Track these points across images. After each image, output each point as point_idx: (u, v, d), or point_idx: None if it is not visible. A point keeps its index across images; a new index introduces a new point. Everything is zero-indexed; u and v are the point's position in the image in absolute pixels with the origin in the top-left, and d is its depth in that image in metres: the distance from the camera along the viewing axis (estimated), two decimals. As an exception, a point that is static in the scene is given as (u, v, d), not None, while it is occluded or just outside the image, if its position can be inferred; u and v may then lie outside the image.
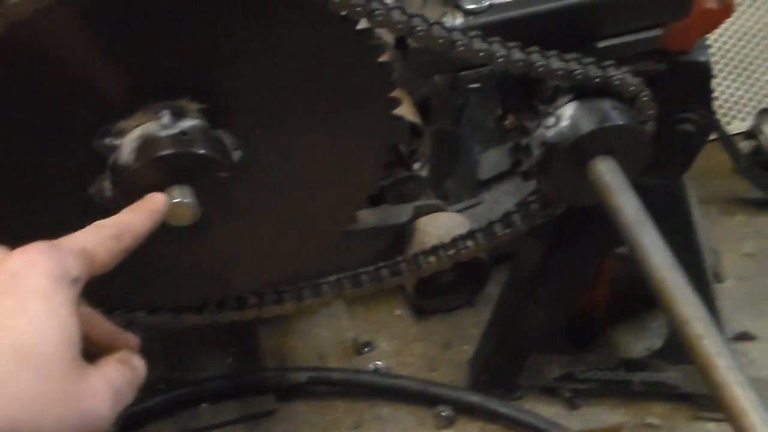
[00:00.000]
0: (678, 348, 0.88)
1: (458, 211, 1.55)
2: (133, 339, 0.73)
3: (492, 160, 1.62)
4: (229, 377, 1.37)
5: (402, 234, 1.46)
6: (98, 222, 0.72)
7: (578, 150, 0.95)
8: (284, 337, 1.47)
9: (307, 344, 1.46)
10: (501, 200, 1.63)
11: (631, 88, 0.95)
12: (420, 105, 1.48)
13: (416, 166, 1.50)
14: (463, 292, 1.51)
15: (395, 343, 1.48)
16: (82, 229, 0.69)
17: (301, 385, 1.37)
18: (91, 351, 0.67)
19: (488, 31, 0.91)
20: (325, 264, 1.18)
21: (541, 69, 0.91)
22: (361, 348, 1.45)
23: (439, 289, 1.48)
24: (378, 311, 1.51)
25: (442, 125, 1.58)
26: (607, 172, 0.94)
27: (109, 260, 0.69)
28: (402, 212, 1.44)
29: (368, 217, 1.38)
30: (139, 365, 0.69)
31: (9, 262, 0.61)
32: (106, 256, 0.68)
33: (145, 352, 1.39)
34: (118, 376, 0.65)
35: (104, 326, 0.72)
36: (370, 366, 1.43)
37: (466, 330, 1.48)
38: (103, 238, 0.69)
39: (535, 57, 0.91)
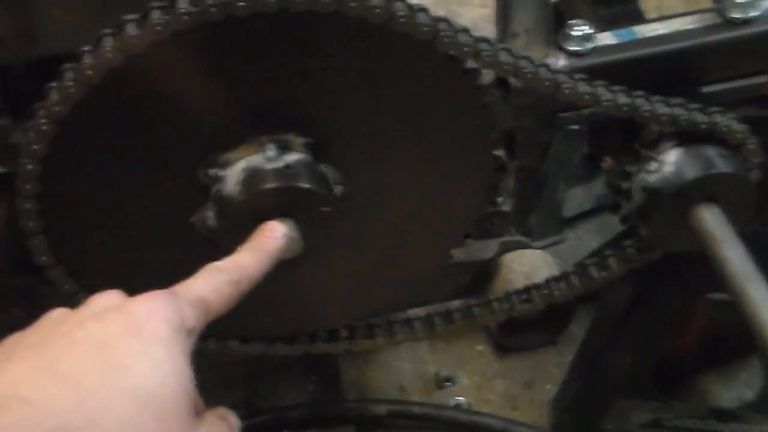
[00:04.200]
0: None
1: (541, 248, 1.53)
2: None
3: (577, 197, 1.61)
4: (310, 406, 1.37)
5: (485, 270, 1.45)
6: (216, 265, 0.71)
7: (682, 197, 0.93)
8: (364, 368, 1.47)
9: (388, 376, 1.46)
10: (584, 239, 1.61)
11: (738, 135, 0.93)
12: (504, 139, 1.47)
13: (499, 200, 1.49)
14: (546, 331, 1.49)
15: (476, 379, 1.46)
16: (200, 274, 0.69)
17: (381, 418, 1.36)
18: None
19: (591, 73, 0.91)
20: (410, 298, 1.18)
21: (646, 114, 0.90)
22: (442, 382, 1.45)
23: (522, 327, 1.47)
24: (459, 346, 1.50)
25: (526, 161, 1.56)
26: (712, 221, 0.92)
27: (225, 307, 0.69)
28: (487, 248, 1.43)
29: (454, 252, 1.38)
30: (235, 424, 0.69)
31: (131, 306, 0.61)
32: (221, 304, 0.68)
33: (227, 375, 1.40)
34: None
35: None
36: (451, 401, 1.42)
37: (549, 369, 1.46)
38: (220, 285, 0.69)
39: (641, 101, 0.90)
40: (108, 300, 0.64)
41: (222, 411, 0.69)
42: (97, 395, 0.56)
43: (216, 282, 0.69)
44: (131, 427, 0.56)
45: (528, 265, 1.44)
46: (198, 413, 0.65)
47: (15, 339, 0.62)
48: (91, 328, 0.60)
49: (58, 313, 0.64)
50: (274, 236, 0.81)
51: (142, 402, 0.56)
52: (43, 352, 0.58)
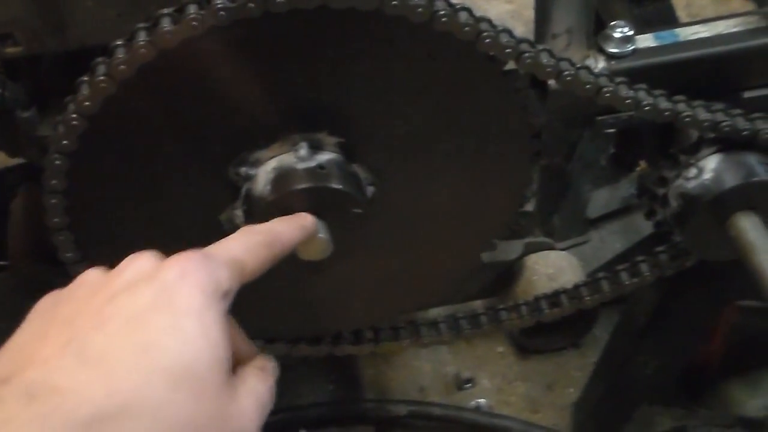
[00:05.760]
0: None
1: (564, 249, 1.51)
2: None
3: (602, 198, 1.58)
4: (330, 405, 1.36)
5: (509, 270, 1.44)
6: (250, 227, 0.70)
7: (720, 205, 0.91)
8: (384, 368, 1.45)
9: (408, 376, 1.44)
10: (608, 240, 1.59)
11: (781, 143, 0.91)
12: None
13: (523, 200, 1.47)
14: (568, 333, 1.48)
15: (497, 380, 1.45)
16: (235, 235, 0.67)
17: (401, 418, 1.35)
18: None
19: (631, 76, 0.89)
20: (437, 299, 1.16)
21: (687, 119, 0.88)
22: (462, 384, 1.43)
23: (545, 329, 1.44)
24: (480, 347, 1.49)
25: (552, 160, 1.54)
26: (751, 230, 0.90)
27: (259, 269, 0.66)
28: (512, 249, 1.41)
29: (481, 252, 1.36)
30: (273, 368, 0.66)
31: (163, 273, 0.59)
32: (256, 265, 0.65)
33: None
34: (262, 387, 0.62)
35: (239, 335, 0.68)
36: (472, 403, 1.40)
37: (571, 372, 1.45)
38: (254, 245, 0.67)
39: (682, 107, 0.88)
40: (141, 265, 0.61)
41: (261, 361, 0.66)
42: (130, 378, 0.54)
43: (251, 242, 0.67)
44: (167, 408, 0.54)
45: (552, 267, 1.42)
46: (242, 361, 0.63)
47: (48, 307, 0.60)
48: (121, 303, 0.58)
49: (92, 278, 0.62)
50: (306, 216, 0.81)
51: (177, 380, 0.55)
52: (74, 332, 0.56)
